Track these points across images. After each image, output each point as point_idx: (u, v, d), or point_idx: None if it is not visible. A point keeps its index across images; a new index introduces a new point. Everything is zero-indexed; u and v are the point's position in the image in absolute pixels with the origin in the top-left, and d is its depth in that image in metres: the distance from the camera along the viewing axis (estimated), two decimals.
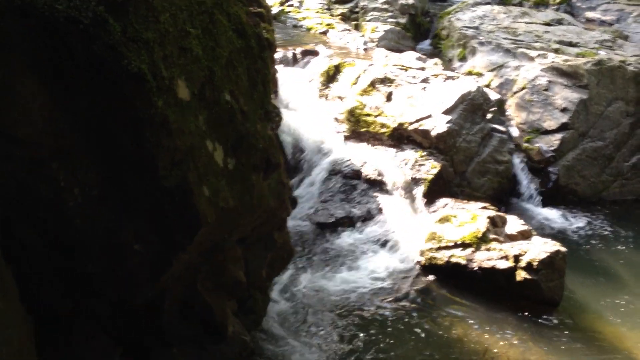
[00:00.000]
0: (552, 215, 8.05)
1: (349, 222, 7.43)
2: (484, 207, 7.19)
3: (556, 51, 9.40)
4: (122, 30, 2.33)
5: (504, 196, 8.13)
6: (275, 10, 11.80)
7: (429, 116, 8.07)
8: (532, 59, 9.21)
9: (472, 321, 5.90)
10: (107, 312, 2.73)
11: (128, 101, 2.41)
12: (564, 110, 8.56)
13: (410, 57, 9.50)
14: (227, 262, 3.37)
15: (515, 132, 8.66)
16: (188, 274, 3.12)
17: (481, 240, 6.59)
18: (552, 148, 8.38)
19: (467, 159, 7.98)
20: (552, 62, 8.99)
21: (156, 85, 2.45)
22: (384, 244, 7.11)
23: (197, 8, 2.85)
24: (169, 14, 2.58)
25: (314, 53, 9.99)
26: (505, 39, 9.88)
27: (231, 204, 3.01)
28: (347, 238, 7.19)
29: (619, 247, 7.52)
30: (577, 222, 7.97)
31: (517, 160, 8.35)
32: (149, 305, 2.86)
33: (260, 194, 3.38)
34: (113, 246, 2.61)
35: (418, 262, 6.76)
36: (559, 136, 8.43)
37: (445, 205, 7.45)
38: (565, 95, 8.63)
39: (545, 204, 8.21)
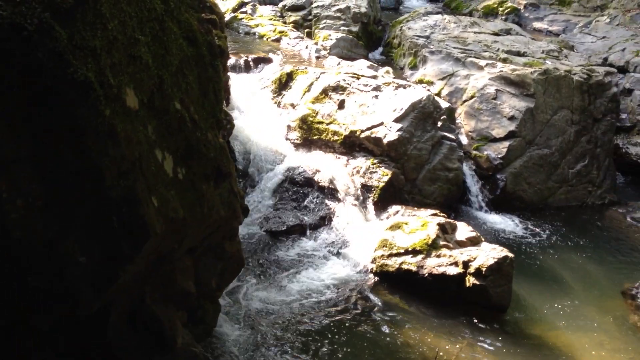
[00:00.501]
0: (500, 222, 8.22)
1: (300, 229, 7.44)
2: (434, 214, 7.28)
3: (504, 60, 9.60)
4: (68, 38, 2.26)
5: (453, 203, 8.25)
6: (228, 17, 11.74)
7: (381, 124, 8.13)
8: (481, 68, 9.39)
9: (423, 326, 5.97)
10: (49, 326, 2.63)
11: (74, 110, 2.34)
12: (511, 118, 8.74)
13: (362, 65, 9.57)
14: (176, 272, 3.31)
15: (464, 140, 8.81)
16: (135, 285, 3.04)
17: (431, 247, 6.68)
18: (500, 156, 8.55)
19: (418, 167, 8.06)
20: (501, 71, 9.18)
21: (103, 93, 2.39)
22: (335, 252, 7.13)
23: (147, 15, 2.79)
24: (117, 20, 2.52)
25: (267, 60, 9.98)
26: (455, 48, 10.05)
27: (181, 215, 2.95)
28: (298, 246, 7.18)
29: (565, 252, 7.71)
30: (525, 228, 8.15)
31: (467, 168, 8.48)
32: (94, 318, 2.78)
33: (211, 204, 3.34)
34: (56, 258, 2.53)
35: (370, 269, 6.81)
36: (506, 144, 8.61)
37: (397, 212, 7.52)
38: (512, 104, 8.82)
39: (493, 210, 8.36)
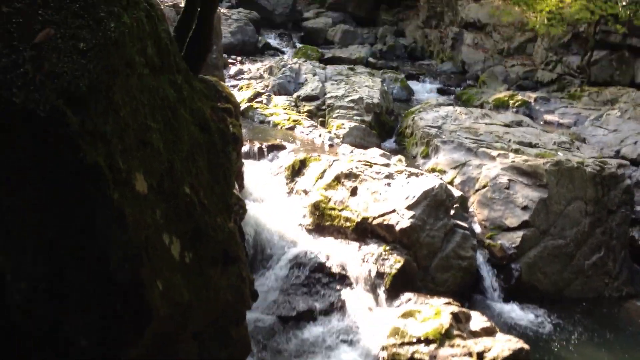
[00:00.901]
0: (515, 312, 8.03)
1: (310, 315, 7.32)
2: (448, 303, 7.16)
3: (516, 151, 9.68)
4: (80, 123, 2.34)
5: (467, 292, 8.11)
6: (244, 106, 12.07)
7: (393, 211, 8.14)
8: (493, 158, 9.46)
9: None
10: None
11: (83, 194, 2.39)
12: (524, 208, 8.71)
13: (374, 153, 9.69)
14: (179, 355, 3.26)
15: (477, 228, 8.76)
16: None
17: (445, 337, 6.53)
18: (514, 245, 8.47)
19: (431, 254, 8.00)
20: (513, 161, 9.23)
21: (113, 178, 2.44)
22: (345, 339, 6.98)
23: (160, 103, 2.90)
24: (130, 108, 2.61)
25: (281, 147, 10.17)
26: (467, 138, 10.18)
27: (186, 299, 2.95)
28: (308, 332, 7.05)
29: (581, 345, 7.50)
30: (540, 319, 7.95)
31: (480, 257, 8.40)
32: None
33: (218, 288, 3.33)
34: (57, 342, 2.51)
35: (381, 358, 6.64)
36: (520, 233, 8.54)
37: (409, 300, 7.41)
38: (525, 194, 8.82)
39: (508, 300, 8.20)
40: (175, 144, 2.96)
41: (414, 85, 16.58)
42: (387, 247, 7.98)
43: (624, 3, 13.83)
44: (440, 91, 16.76)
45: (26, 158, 2.28)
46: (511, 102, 14.34)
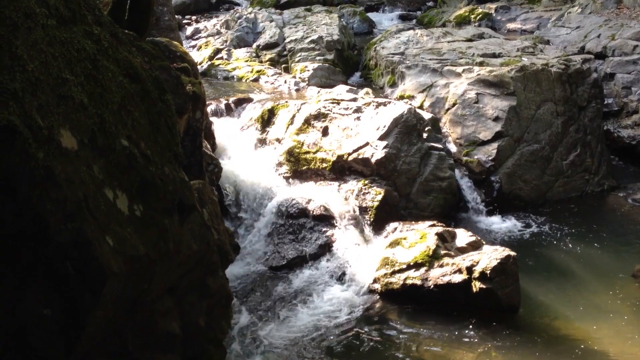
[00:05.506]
0: (501, 223, 8.06)
1: (301, 261, 7.33)
2: (432, 225, 7.17)
3: (480, 64, 9.56)
4: None
5: (451, 211, 8.12)
6: (205, 65, 11.85)
7: (366, 144, 8.08)
8: (458, 75, 9.35)
9: (436, 340, 5.84)
10: None
11: (3, 157, 2.28)
12: (496, 119, 8.66)
13: (341, 90, 9.56)
14: (155, 315, 3.22)
15: (453, 147, 8.72)
16: (113, 335, 2.95)
17: (433, 258, 6.56)
18: (490, 158, 8.44)
19: (410, 181, 7.98)
20: (478, 74, 9.13)
21: (32, 136, 2.34)
22: (339, 278, 7.01)
23: (76, 55, 2.77)
24: (39, 62, 2.48)
25: (248, 100, 10.01)
26: (430, 59, 10.03)
27: (141, 252, 2.87)
28: (301, 278, 7.07)
29: (570, 244, 7.55)
30: (527, 226, 7.99)
31: (459, 175, 8.38)
32: None
33: (178, 239, 3.26)
34: (19, 316, 2.45)
35: (375, 290, 6.68)
36: (495, 145, 8.51)
37: (395, 229, 7.41)
38: (495, 105, 8.75)
39: (492, 212, 8.22)
40: (103, 97, 2.84)
41: (374, 16, 16.31)
42: (366, 181, 7.95)
43: None
44: (402, 17, 16.51)
45: None
46: (472, 16, 14.14)
